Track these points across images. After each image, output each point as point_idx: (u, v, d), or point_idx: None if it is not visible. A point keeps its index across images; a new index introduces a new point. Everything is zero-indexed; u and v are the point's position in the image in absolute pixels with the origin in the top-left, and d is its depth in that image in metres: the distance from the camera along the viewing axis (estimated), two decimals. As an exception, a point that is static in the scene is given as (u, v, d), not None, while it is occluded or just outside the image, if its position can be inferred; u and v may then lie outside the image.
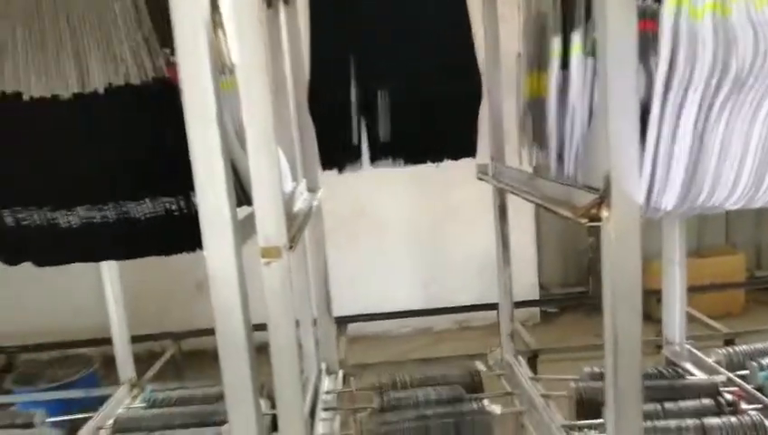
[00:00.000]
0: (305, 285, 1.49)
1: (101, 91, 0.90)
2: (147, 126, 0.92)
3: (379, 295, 3.92)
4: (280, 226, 0.82)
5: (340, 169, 1.41)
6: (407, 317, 3.93)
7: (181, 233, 0.95)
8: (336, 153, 1.39)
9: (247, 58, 0.81)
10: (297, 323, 1.49)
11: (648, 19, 0.81)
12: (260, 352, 0.85)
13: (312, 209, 1.29)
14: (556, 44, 1.02)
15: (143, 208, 0.94)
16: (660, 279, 1.54)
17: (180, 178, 0.91)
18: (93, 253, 1.01)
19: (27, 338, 3.69)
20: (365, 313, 3.81)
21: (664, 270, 1.53)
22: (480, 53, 1.42)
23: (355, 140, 1.38)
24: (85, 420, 1.48)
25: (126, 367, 1.65)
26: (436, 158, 1.45)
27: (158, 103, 0.90)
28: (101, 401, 1.61)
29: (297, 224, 1.01)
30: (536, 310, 3.83)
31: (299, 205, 1.25)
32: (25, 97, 0.89)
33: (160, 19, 0.91)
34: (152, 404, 1.50)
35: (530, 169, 1.27)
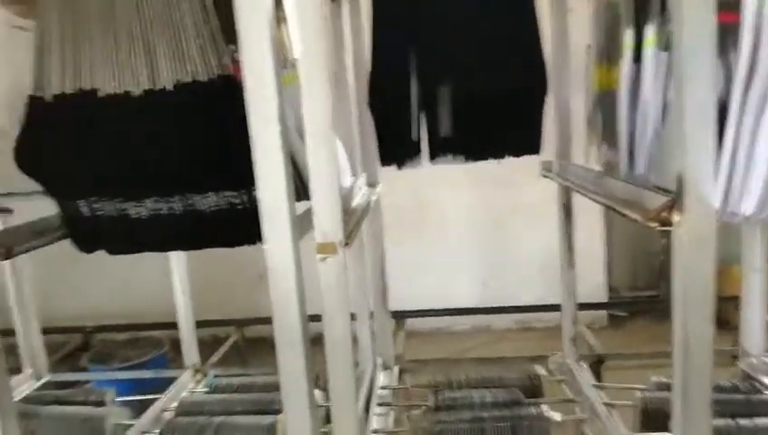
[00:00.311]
0: (362, 279, 1.50)
1: (170, 87, 0.93)
2: (212, 122, 0.94)
3: (438, 291, 3.91)
4: (336, 222, 0.82)
5: (399, 165, 1.40)
6: (465, 315, 3.90)
7: (243, 226, 0.98)
8: (395, 149, 1.39)
9: (309, 53, 0.82)
10: (353, 317, 1.52)
11: (728, 10, 0.75)
12: (317, 342, 0.86)
13: (370, 204, 1.29)
14: (628, 37, 0.97)
15: (208, 202, 0.97)
16: (740, 286, 1.45)
17: (243, 173, 0.94)
18: (160, 243, 1.05)
19: (103, 319, 3.92)
20: (423, 308, 3.80)
21: (744, 277, 1.43)
22: (546, 46, 1.38)
23: (415, 136, 1.37)
24: (152, 400, 1.55)
25: (191, 352, 1.72)
26: (498, 154, 1.41)
27: (223, 100, 0.93)
28: (168, 382, 1.69)
29: (354, 219, 1.02)
30: (603, 313, 3.69)
31: (357, 200, 1.25)
32: (100, 94, 0.94)
33: (227, 16, 0.93)
34: (214, 390, 1.55)
35: (597, 167, 1.22)
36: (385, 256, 1.58)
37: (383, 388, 1.50)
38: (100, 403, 1.54)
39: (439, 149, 1.40)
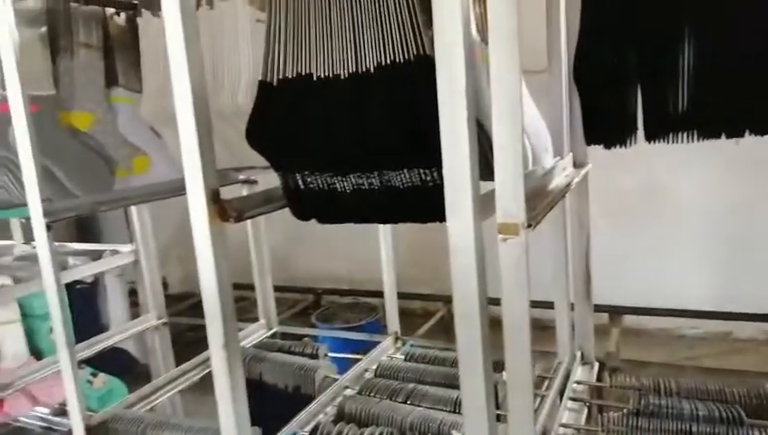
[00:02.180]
0: (561, 265, 1.42)
1: (372, 70, 0.99)
2: (408, 101, 0.97)
3: (666, 288, 3.50)
4: (519, 202, 0.79)
5: (608, 144, 1.28)
6: (698, 318, 3.45)
7: (434, 203, 1.00)
8: (605, 125, 1.26)
9: (499, 26, 0.79)
10: (551, 305, 1.46)
11: None
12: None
13: (571, 185, 1.21)
14: None
15: (402, 178, 1.01)
16: None
17: (435, 150, 0.96)
18: (361, 215, 1.13)
19: (331, 283, 4.38)
20: (647, 305, 3.46)
21: None
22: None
23: (631, 111, 1.23)
24: (356, 360, 1.70)
25: (393, 320, 1.83)
26: (736, 132, 1.19)
27: (420, 79, 0.95)
28: (374, 346, 1.83)
29: (546, 201, 0.97)
30: None
31: (557, 181, 1.19)
32: (315, 77, 1.04)
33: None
34: (410, 358, 1.63)
35: None
36: (590, 242, 1.47)
37: (578, 383, 1.42)
38: (314, 356, 1.73)
39: (663, 126, 1.23)
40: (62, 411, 2.73)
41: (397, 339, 1.80)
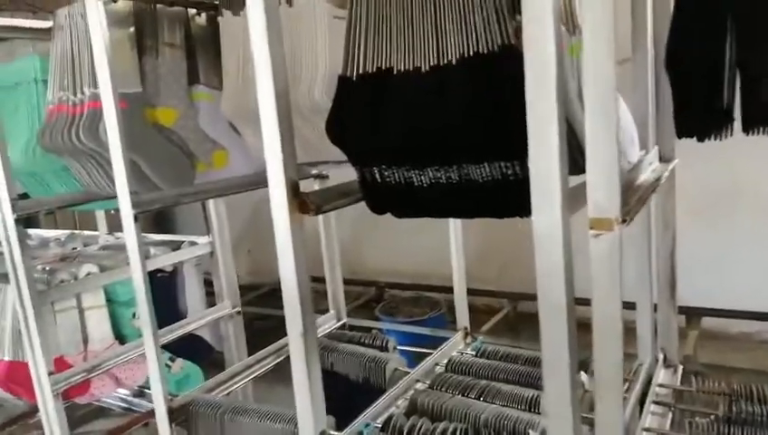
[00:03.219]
0: (645, 265, 1.36)
1: (454, 62, 0.98)
2: (492, 92, 0.95)
3: (747, 289, 3.29)
4: (613, 197, 0.76)
5: (702, 137, 1.21)
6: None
7: (514, 197, 0.98)
8: (697, 118, 1.19)
9: (595, 15, 0.76)
10: (632, 306, 1.40)
11: None
12: (588, 328, 0.82)
13: (660, 181, 1.16)
14: None
15: (482, 172, 1.00)
16: None
17: (518, 143, 0.94)
18: (437, 210, 1.12)
19: (394, 277, 4.39)
20: (727, 308, 3.28)
21: None
22: None
23: (727, 100, 1.16)
24: (425, 355, 1.69)
25: (462, 316, 1.81)
26: None
27: (503, 71, 0.93)
28: (441, 341, 1.82)
29: (637, 196, 0.93)
30: None
31: (645, 176, 1.14)
32: (395, 71, 1.04)
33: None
34: (481, 354, 1.61)
35: None
36: (676, 241, 1.40)
37: (661, 386, 1.36)
38: (384, 349, 1.74)
39: (761, 118, 1.16)
40: (140, 393, 2.88)
41: (466, 335, 1.78)
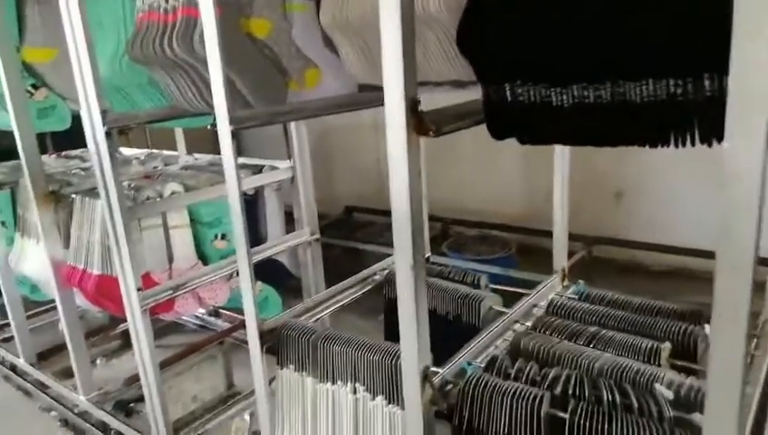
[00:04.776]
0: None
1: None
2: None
3: None
4: None
5: None
6: None
7: (681, 122, 0.84)
8: None
9: None
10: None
11: None
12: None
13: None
14: None
15: (644, 90, 0.85)
16: None
17: (697, 55, 0.79)
18: (576, 135, 0.99)
19: (460, 213, 4.28)
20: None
21: None
22: None
23: None
24: (517, 295, 1.60)
25: (561, 257, 1.70)
26: None
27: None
28: (517, 283, 1.72)
29: None
30: None
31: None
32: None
33: None
34: (584, 298, 1.51)
35: None
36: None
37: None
38: (476, 286, 1.66)
39: None
40: (215, 313, 2.94)
41: (564, 277, 1.68)
